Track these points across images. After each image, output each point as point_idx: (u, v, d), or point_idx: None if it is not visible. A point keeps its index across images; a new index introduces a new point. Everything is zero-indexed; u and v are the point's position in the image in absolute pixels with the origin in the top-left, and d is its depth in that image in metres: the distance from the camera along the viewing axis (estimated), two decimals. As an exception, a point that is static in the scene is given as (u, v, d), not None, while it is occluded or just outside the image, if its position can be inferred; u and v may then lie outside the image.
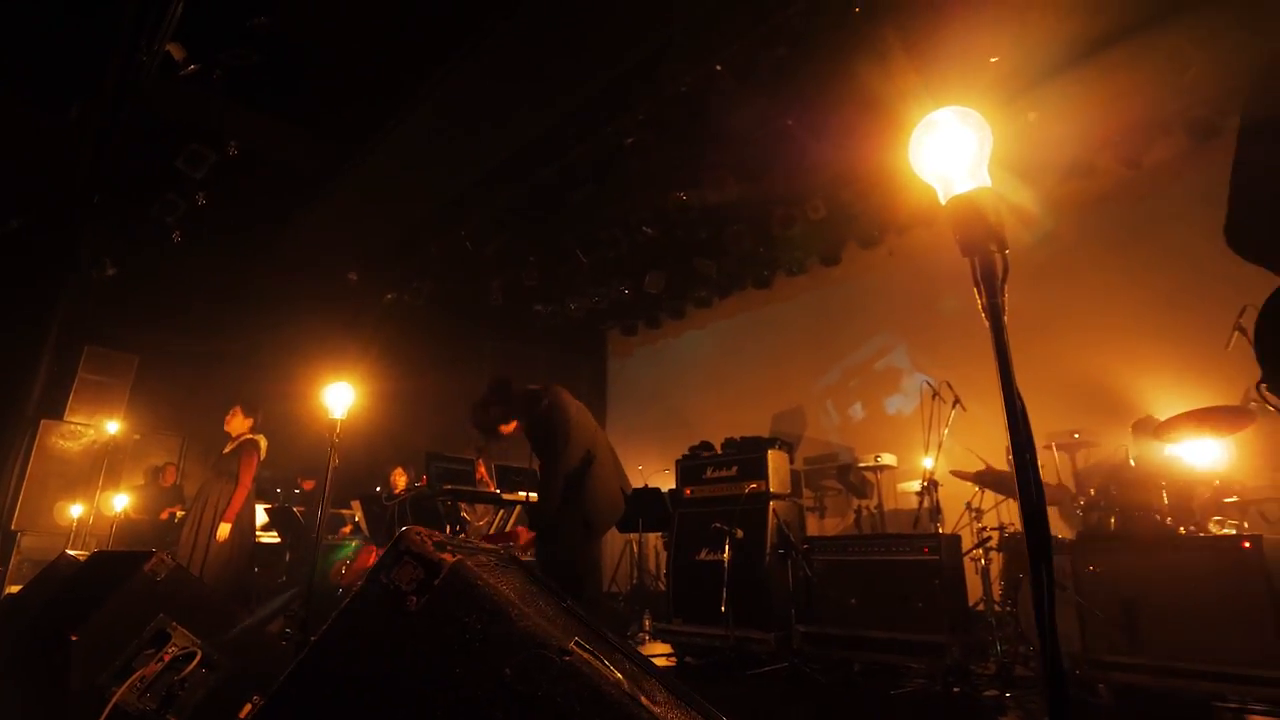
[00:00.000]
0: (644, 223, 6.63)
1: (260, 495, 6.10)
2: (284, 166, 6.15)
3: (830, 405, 7.13)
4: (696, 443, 5.65)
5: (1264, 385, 1.49)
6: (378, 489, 5.87)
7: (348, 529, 6.65)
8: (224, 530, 4.47)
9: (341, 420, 2.95)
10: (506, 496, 4.78)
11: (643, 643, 5.28)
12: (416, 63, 5.09)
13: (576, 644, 0.78)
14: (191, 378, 7.48)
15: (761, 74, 4.87)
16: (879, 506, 5.84)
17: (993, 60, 4.68)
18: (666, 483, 5.77)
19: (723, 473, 4.96)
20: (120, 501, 6.46)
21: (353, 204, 6.59)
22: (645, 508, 5.62)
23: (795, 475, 5.70)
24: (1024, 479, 0.75)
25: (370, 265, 7.64)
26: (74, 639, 1.93)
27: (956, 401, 4.78)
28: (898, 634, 3.87)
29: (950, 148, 0.90)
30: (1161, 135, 5.17)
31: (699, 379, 8.23)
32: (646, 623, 5.59)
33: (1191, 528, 3.60)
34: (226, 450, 4.74)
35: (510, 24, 4.70)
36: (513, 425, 3.31)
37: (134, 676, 1.96)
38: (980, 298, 0.83)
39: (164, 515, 6.71)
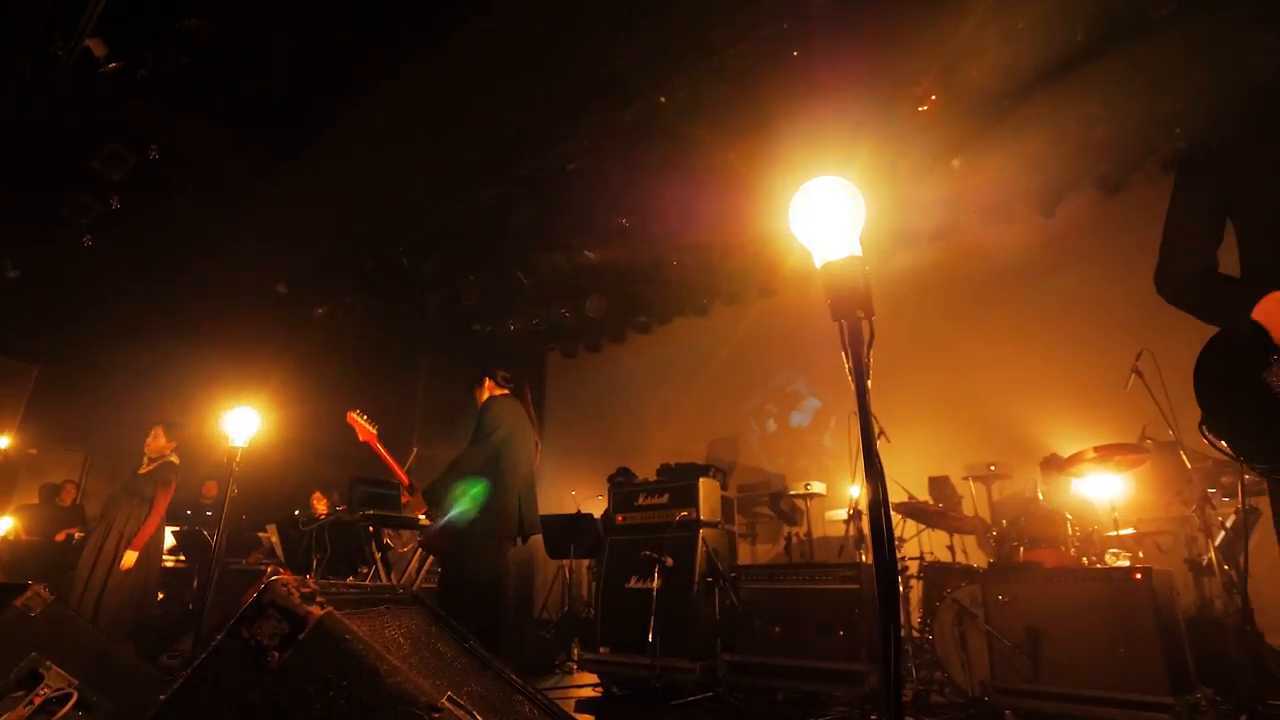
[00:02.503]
0: (586, 246, 6.65)
1: (169, 517, 5.77)
2: (210, 173, 5.92)
3: (764, 433, 7.25)
4: (631, 469, 5.64)
5: (1204, 426, 1.61)
6: (296, 513, 5.63)
7: (255, 558, 6.32)
8: (130, 558, 4.19)
9: (242, 448, 2.81)
10: (425, 522, 4.65)
11: (570, 672, 5.19)
12: (356, 76, 5.01)
13: (449, 700, 0.76)
14: (98, 390, 7.03)
15: (703, 108, 4.99)
16: (808, 534, 5.94)
17: (921, 109, 4.94)
18: (601, 509, 5.73)
19: (655, 500, 4.96)
20: (3, 524, 5.98)
21: (283, 214, 6.39)
22: (577, 534, 5.57)
23: (728, 502, 5.75)
24: (878, 541, 0.78)
25: (301, 278, 7.40)
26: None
27: (881, 433, 4.93)
28: (820, 662, 3.92)
29: (825, 215, 0.94)
30: (1073, 187, 5.52)
31: (637, 404, 8.24)
32: (575, 651, 5.50)
33: (1093, 558, 3.79)
34: (142, 470, 4.46)
35: (456, 43, 4.69)
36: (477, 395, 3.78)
37: (-3, 722, 1.80)
38: (847, 360, 0.86)
39: (60, 537, 6.25)
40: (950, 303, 6.14)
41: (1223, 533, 3.88)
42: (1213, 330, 1.62)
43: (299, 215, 6.48)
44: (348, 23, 4.68)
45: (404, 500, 4.80)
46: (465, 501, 3.34)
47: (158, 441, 4.49)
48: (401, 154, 5.80)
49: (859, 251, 0.93)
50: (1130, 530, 3.98)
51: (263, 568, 5.79)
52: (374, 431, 3.78)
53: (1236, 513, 3.76)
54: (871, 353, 0.82)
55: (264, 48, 4.89)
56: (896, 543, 4.72)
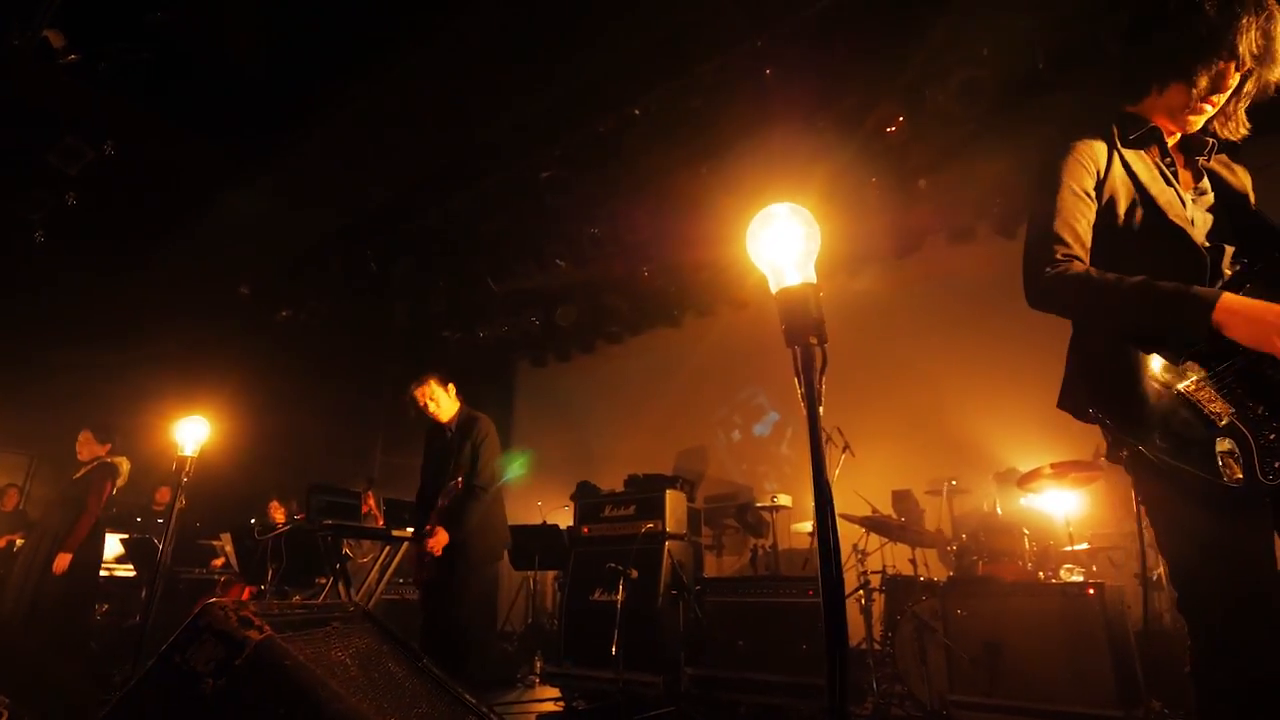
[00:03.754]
0: (558, 255, 6.63)
1: (116, 524, 5.56)
2: (172, 170, 5.77)
3: (732, 445, 7.28)
4: (594, 484, 5.61)
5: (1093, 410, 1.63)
6: (253, 521, 5.48)
7: (220, 561, 6.15)
8: (62, 561, 4.02)
9: (194, 457, 2.73)
10: (395, 533, 4.56)
11: (532, 686, 5.13)
12: (328, 78, 4.94)
13: (393, 726, 0.74)
14: (45, 392, 6.77)
15: (678, 122, 5.03)
16: (774, 546, 5.97)
17: (889, 130, 5.04)
18: (567, 519, 5.69)
19: (621, 511, 4.94)
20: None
21: (249, 214, 6.25)
22: (543, 545, 5.51)
23: (695, 514, 5.76)
24: (826, 567, 0.78)
25: (265, 279, 7.24)
26: None
27: (846, 447, 4.98)
28: (783, 676, 3.93)
29: (782, 241, 0.95)
30: (1032, 209, 5.67)
31: (606, 414, 8.22)
32: (538, 665, 5.43)
33: (1049, 573, 3.88)
34: (77, 475, 4.31)
35: (430, 48, 4.66)
36: (433, 394, 3.72)
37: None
38: (799, 386, 0.87)
39: (1, 543, 5.99)
40: (915, 321, 6.25)
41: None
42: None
43: (265, 216, 6.35)
44: (320, 25, 4.62)
45: (365, 509, 4.73)
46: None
47: (88, 447, 4.36)
48: (373, 158, 5.73)
49: (814, 278, 0.93)
50: (1085, 545, 4.08)
51: (215, 578, 5.62)
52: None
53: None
54: (824, 378, 0.82)
55: (233, 47, 4.80)
56: (861, 555, 4.78)
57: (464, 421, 3.74)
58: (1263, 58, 1.45)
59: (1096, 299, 1.52)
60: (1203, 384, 1.44)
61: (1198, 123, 1.59)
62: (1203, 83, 1.50)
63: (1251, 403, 1.40)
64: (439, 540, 3.34)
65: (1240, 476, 1.36)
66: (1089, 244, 1.62)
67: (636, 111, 5.08)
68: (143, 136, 5.41)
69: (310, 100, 5.13)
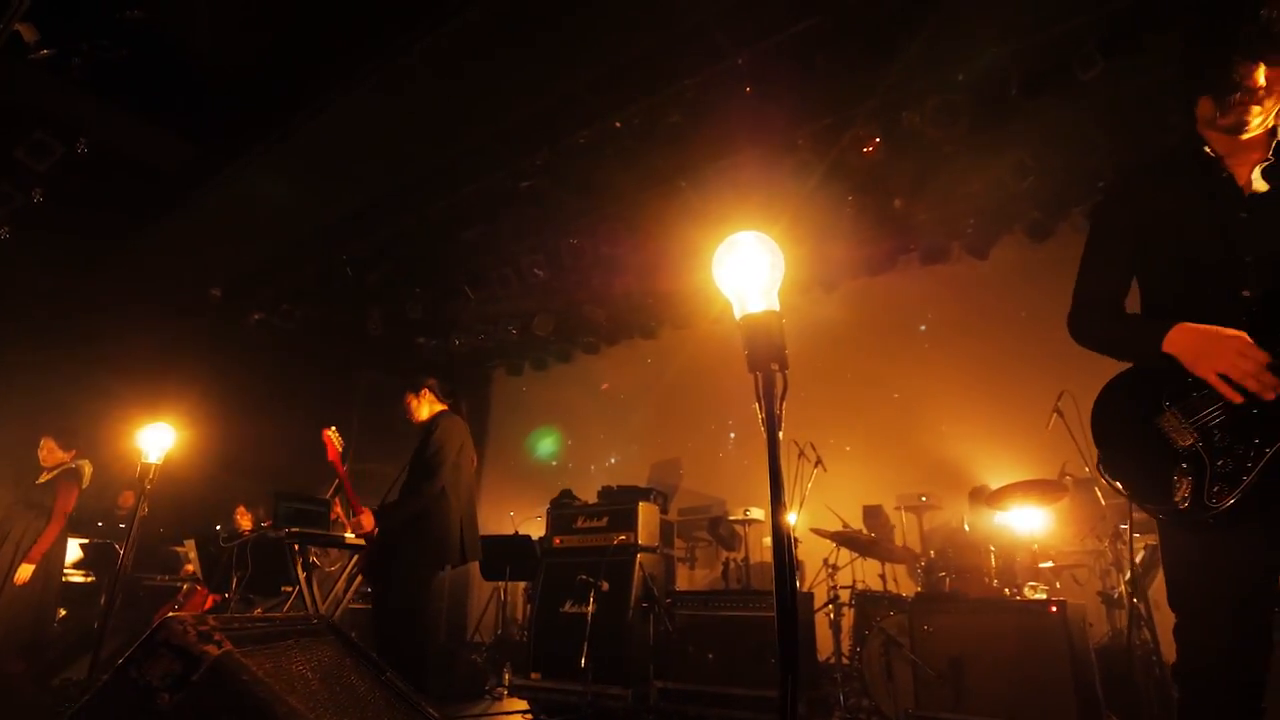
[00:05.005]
0: (536, 265, 6.63)
1: (77, 527, 5.41)
2: (145, 169, 5.67)
3: (707, 457, 7.30)
4: (574, 491, 5.59)
5: (1100, 464, 1.70)
6: (218, 528, 5.37)
7: (189, 569, 5.99)
8: (25, 571, 3.93)
9: (158, 464, 2.68)
10: (353, 541, 4.50)
11: (500, 698, 5.08)
12: (306, 78, 4.91)
13: (351, 743, 0.74)
14: (7, 391, 6.58)
15: (658, 135, 5.07)
16: (746, 559, 5.99)
17: (866, 150, 5.14)
18: (540, 530, 5.66)
19: (593, 523, 4.93)
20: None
21: (222, 216, 6.17)
22: (514, 556, 5.47)
23: (668, 526, 5.75)
24: (782, 591, 0.80)
25: (237, 282, 7.13)
26: None
27: (819, 462, 5.03)
28: (751, 690, 3.93)
29: (746, 269, 0.97)
30: (1004, 232, 5.81)
31: (582, 425, 8.21)
32: (506, 677, 5.37)
33: (1014, 590, 3.94)
34: (41, 480, 4.20)
35: (413, 54, 4.65)
36: (405, 404, 3.84)
37: None
38: (760, 410, 0.89)
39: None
40: (889, 339, 6.35)
41: (1132, 567, 4.09)
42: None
43: (239, 218, 6.27)
44: (300, 26, 4.60)
45: (334, 516, 4.67)
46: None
47: (52, 453, 4.27)
48: (351, 162, 5.69)
49: (776, 305, 0.96)
50: (1049, 563, 4.16)
51: (177, 585, 5.49)
52: (339, 449, 3.82)
53: (1146, 548, 3.97)
54: (785, 402, 0.84)
55: (211, 46, 4.75)
56: (831, 570, 4.82)
57: (425, 425, 3.81)
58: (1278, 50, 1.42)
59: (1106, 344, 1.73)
60: (1176, 415, 1.51)
61: (1248, 123, 1.51)
62: (1222, 90, 1.49)
63: (1215, 431, 1.46)
64: (363, 520, 3.44)
65: (1189, 499, 1.42)
66: (1113, 289, 1.74)
67: (618, 124, 5.11)
68: (116, 134, 5.32)
69: (288, 103, 5.09)
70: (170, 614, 0.84)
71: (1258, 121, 1.51)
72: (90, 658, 2.74)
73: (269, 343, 7.32)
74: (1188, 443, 1.48)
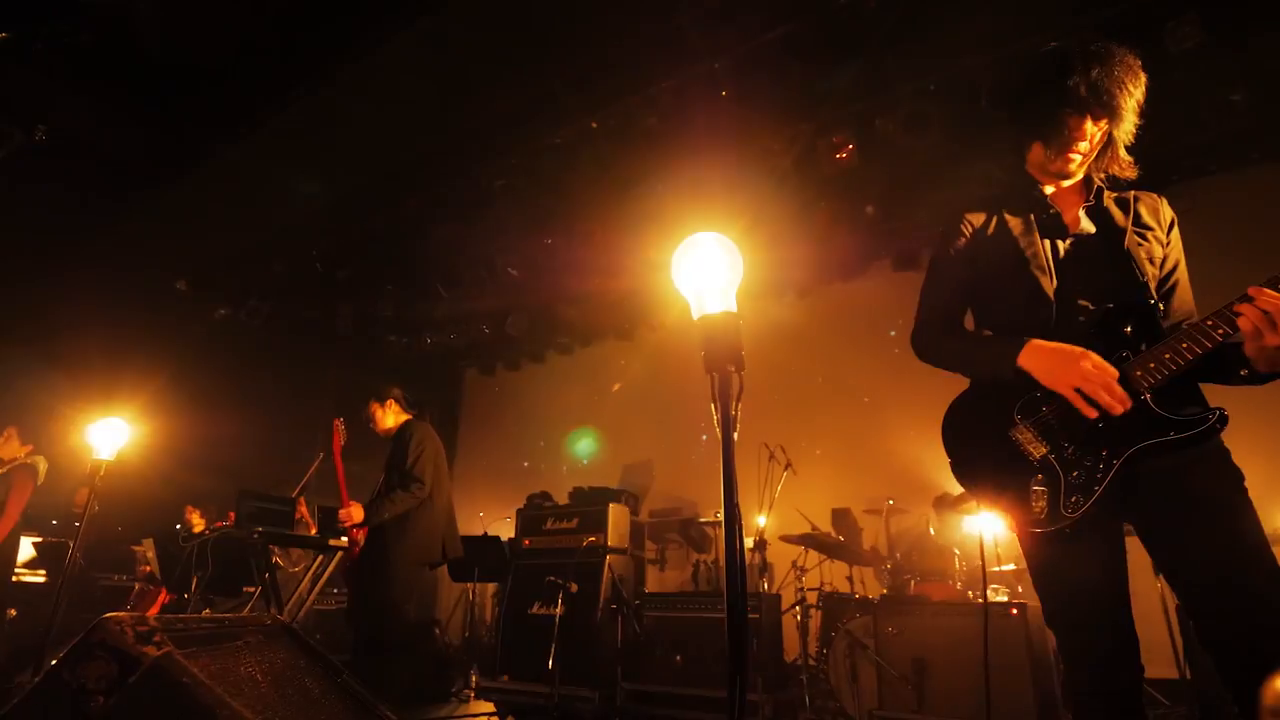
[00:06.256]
0: (510, 264, 6.59)
1: (30, 525, 5.24)
2: (109, 156, 5.52)
3: (677, 458, 7.31)
4: (549, 493, 5.56)
5: (955, 472, 1.76)
6: (178, 527, 5.24)
7: (147, 568, 5.83)
8: (-25, 568, 3.79)
9: (110, 460, 2.60)
10: (332, 542, 4.43)
11: (466, 700, 5.02)
12: (278, 72, 4.82)
13: (296, 746, 0.72)
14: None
15: (633, 137, 5.08)
16: (716, 561, 6.01)
17: (840, 156, 5.20)
18: (509, 531, 5.61)
19: (563, 524, 4.91)
20: None
21: (189, 208, 6.03)
22: (483, 556, 5.42)
23: (638, 528, 5.75)
24: (733, 591, 0.80)
25: (203, 275, 6.97)
26: None
27: (788, 465, 5.06)
28: (718, 691, 3.94)
29: (705, 269, 0.98)
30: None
31: (554, 425, 8.16)
32: (473, 679, 5.32)
33: (977, 593, 4.00)
34: (-6, 475, 4.07)
35: (389, 48, 4.59)
36: (370, 415, 3.92)
37: None
38: (715, 411, 0.89)
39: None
40: (860, 343, 6.41)
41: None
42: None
43: (207, 210, 6.13)
44: (273, 19, 4.52)
45: (298, 516, 4.59)
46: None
47: (10, 445, 4.15)
48: (323, 156, 5.60)
49: (734, 307, 0.96)
50: (1011, 566, 4.24)
51: (132, 584, 5.34)
52: (343, 442, 3.89)
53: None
54: (740, 404, 0.85)
55: (182, 35, 4.64)
56: (799, 572, 4.86)
57: (395, 433, 3.88)
58: (1104, 107, 1.55)
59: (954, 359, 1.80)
60: (1028, 427, 1.56)
61: (1071, 171, 1.68)
62: (1052, 139, 1.63)
63: (1066, 444, 1.51)
64: (353, 511, 3.51)
65: (1045, 510, 1.47)
66: (957, 311, 1.84)
67: (594, 125, 5.11)
68: (78, 122, 5.17)
69: (260, 94, 5.00)
70: (108, 614, 0.81)
71: (1080, 170, 1.69)
72: (36, 658, 2.66)
73: (235, 338, 7.17)
74: (1040, 454, 1.54)
